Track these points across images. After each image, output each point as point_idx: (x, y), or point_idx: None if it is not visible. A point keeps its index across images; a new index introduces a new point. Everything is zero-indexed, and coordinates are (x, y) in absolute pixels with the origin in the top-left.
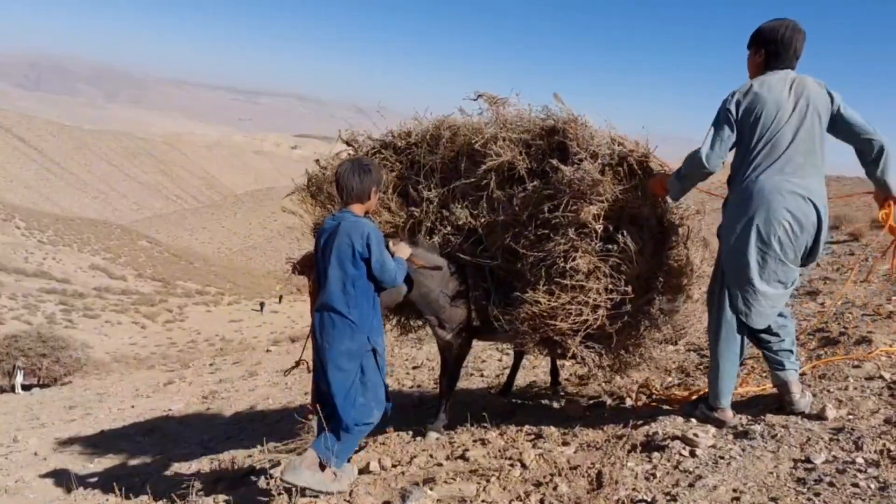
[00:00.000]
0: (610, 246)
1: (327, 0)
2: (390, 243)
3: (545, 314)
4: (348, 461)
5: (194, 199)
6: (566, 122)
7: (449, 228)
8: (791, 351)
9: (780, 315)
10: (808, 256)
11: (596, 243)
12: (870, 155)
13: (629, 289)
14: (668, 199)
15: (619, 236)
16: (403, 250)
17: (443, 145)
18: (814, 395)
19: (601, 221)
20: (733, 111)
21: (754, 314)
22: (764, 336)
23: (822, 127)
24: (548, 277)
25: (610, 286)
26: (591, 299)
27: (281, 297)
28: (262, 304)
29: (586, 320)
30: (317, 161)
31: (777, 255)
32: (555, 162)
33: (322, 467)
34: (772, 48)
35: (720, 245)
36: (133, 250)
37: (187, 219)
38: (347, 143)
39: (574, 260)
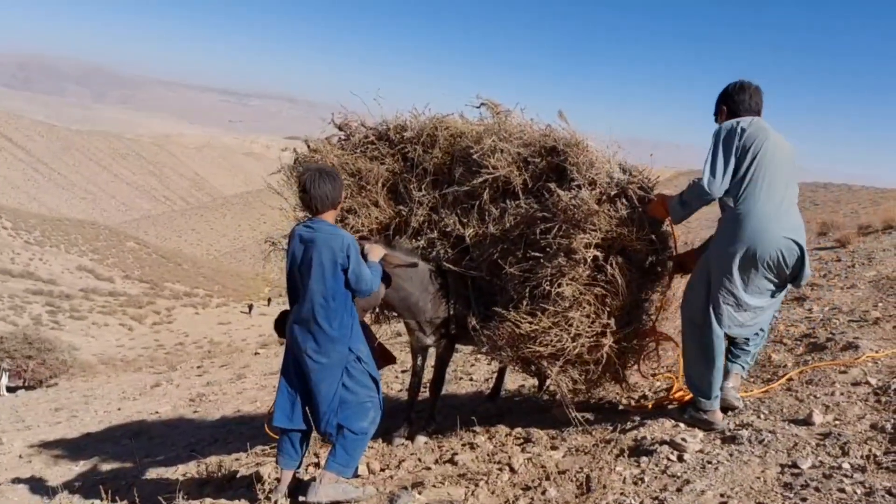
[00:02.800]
0: (597, 275)
1: (321, 2)
2: (365, 245)
3: (525, 336)
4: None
5: (183, 200)
6: (568, 146)
7: (436, 233)
8: (749, 352)
9: (761, 329)
10: (798, 280)
11: (584, 271)
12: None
13: (611, 321)
14: (668, 222)
15: (609, 267)
16: (377, 251)
17: (439, 147)
18: (800, 401)
19: (592, 250)
20: (736, 140)
21: (735, 327)
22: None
23: (794, 171)
24: (531, 298)
25: (593, 316)
26: (573, 327)
27: (269, 300)
28: (250, 307)
29: (565, 347)
30: (306, 142)
31: (763, 275)
32: (552, 186)
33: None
34: (728, 102)
35: (710, 258)
36: (121, 251)
37: (176, 220)
38: (339, 128)
39: (560, 286)
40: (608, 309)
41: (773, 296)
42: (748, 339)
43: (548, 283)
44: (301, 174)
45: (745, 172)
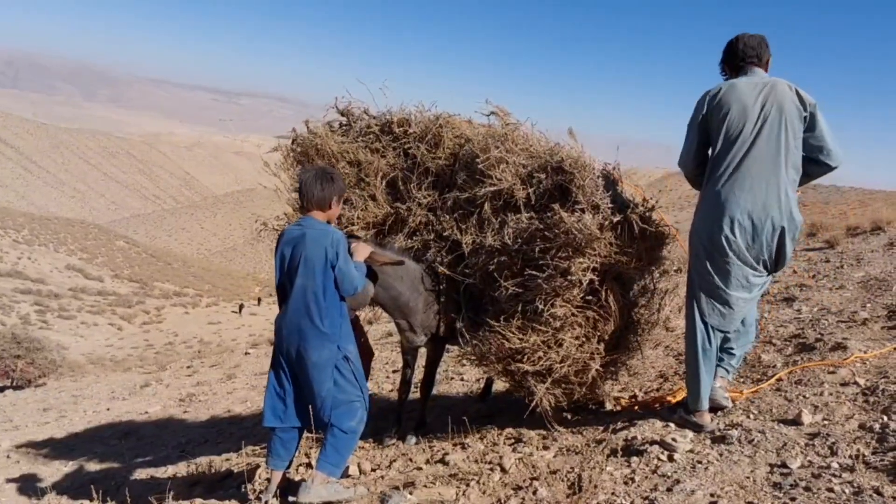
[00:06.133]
0: (591, 298)
1: (313, 1)
2: (351, 243)
3: (513, 350)
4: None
5: (173, 199)
6: (575, 167)
7: (432, 235)
8: (734, 355)
9: (743, 323)
10: (776, 263)
11: (578, 293)
12: (814, 172)
13: (601, 347)
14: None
15: (603, 292)
16: (363, 250)
17: (444, 148)
18: (789, 401)
19: (589, 274)
20: (698, 116)
21: (716, 316)
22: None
23: (792, 134)
24: (522, 314)
25: (583, 339)
26: (563, 348)
27: (260, 300)
28: (240, 307)
29: (552, 367)
30: (305, 122)
31: (734, 262)
32: (556, 207)
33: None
34: (725, 58)
35: (689, 250)
36: (110, 251)
37: (166, 219)
38: (342, 114)
39: (553, 306)
40: (599, 333)
41: (755, 287)
42: (730, 338)
43: (541, 301)
44: (303, 171)
45: (713, 150)
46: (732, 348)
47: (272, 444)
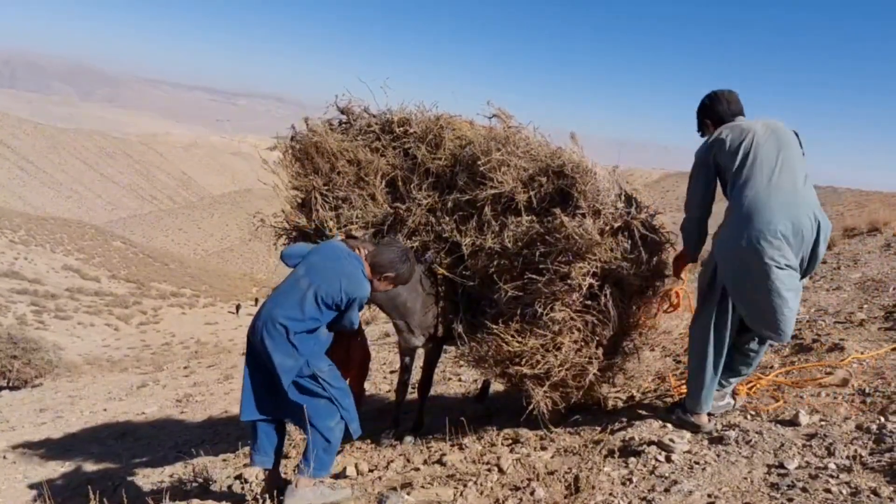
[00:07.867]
0: (590, 303)
1: (310, 2)
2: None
3: (511, 353)
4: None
5: (170, 199)
6: (577, 173)
7: (432, 236)
8: (739, 372)
9: (761, 342)
10: (809, 265)
11: (577, 298)
12: None
13: (599, 351)
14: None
15: (602, 297)
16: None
17: (444, 149)
18: (786, 402)
19: (588, 279)
20: (706, 160)
21: (762, 326)
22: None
23: (799, 151)
24: (521, 317)
25: (581, 343)
26: (561, 352)
27: (257, 300)
28: (237, 307)
29: (550, 371)
30: (305, 120)
31: (777, 269)
32: (557, 211)
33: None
34: (708, 115)
35: (715, 260)
36: (107, 251)
37: (163, 220)
38: (342, 112)
39: (553, 310)
40: (597, 338)
41: (799, 290)
42: (751, 353)
43: (540, 304)
44: (400, 244)
45: (733, 172)
46: (743, 368)
47: (253, 440)
